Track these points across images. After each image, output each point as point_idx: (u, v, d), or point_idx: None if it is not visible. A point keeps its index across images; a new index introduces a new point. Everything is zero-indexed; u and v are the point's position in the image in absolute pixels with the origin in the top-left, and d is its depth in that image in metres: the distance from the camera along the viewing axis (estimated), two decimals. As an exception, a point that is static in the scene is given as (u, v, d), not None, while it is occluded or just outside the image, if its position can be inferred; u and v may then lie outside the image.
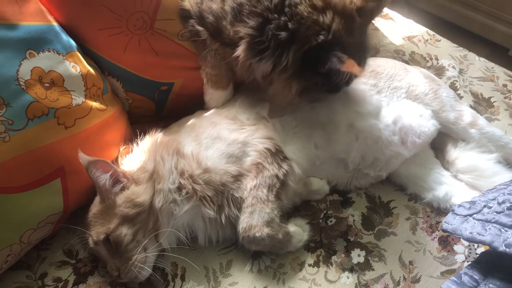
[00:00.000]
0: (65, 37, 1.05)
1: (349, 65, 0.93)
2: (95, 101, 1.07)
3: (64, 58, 1.02)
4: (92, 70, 1.08)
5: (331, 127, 1.14)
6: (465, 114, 1.22)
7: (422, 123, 1.18)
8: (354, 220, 1.15)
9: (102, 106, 1.08)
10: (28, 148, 0.92)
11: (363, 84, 1.19)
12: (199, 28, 1.10)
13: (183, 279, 1.04)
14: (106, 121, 1.07)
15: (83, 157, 0.95)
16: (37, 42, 0.97)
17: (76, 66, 1.04)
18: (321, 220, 1.14)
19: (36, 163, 0.94)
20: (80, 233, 1.08)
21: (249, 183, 1.03)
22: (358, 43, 1.01)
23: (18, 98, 0.90)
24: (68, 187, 1.01)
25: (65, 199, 1.02)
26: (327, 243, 1.10)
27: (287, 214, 1.14)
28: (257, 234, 0.99)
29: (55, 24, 1.03)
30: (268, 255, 1.07)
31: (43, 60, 0.97)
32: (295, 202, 1.15)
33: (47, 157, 0.95)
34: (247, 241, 1.01)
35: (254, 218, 1.00)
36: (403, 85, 1.22)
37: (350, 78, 1.03)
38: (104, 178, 0.98)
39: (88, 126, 1.03)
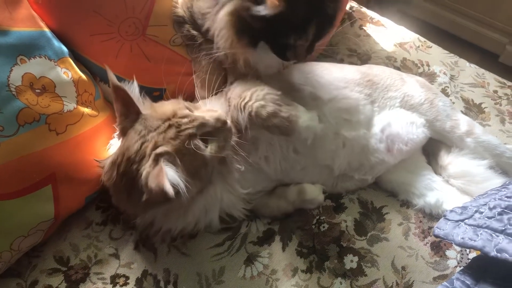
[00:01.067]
0: (56, 43, 1.04)
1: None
2: (87, 107, 1.06)
3: (56, 64, 1.01)
4: (84, 76, 1.08)
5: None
6: (461, 123, 1.21)
7: (411, 130, 1.17)
8: (346, 226, 1.15)
9: (94, 112, 1.08)
10: (18, 155, 0.91)
11: (357, 93, 1.18)
12: (194, 32, 1.11)
13: (175, 285, 1.03)
14: (98, 127, 1.07)
15: None
16: (29, 48, 0.97)
17: (68, 72, 1.04)
18: (313, 226, 1.14)
19: (27, 170, 0.93)
20: (71, 240, 1.07)
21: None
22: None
23: (9, 104, 0.90)
24: (59, 194, 1.00)
25: (56, 206, 1.01)
26: (320, 249, 1.10)
27: (279, 223, 1.15)
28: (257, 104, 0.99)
29: (46, 30, 1.03)
30: (261, 261, 1.07)
31: (35, 66, 0.96)
32: (287, 210, 1.14)
33: (38, 164, 0.95)
34: (255, 114, 0.99)
35: (253, 97, 1.01)
36: (398, 95, 1.22)
37: (298, 48, 1.01)
38: None
39: (80, 132, 1.03)
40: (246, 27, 0.99)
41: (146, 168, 0.87)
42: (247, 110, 0.99)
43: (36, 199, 0.96)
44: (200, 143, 0.92)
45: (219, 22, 1.02)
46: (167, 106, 0.97)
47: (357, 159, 1.16)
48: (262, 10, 0.93)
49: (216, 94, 1.14)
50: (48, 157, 0.96)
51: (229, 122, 0.99)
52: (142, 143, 0.90)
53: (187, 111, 0.96)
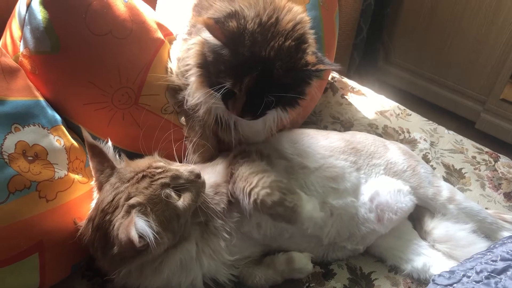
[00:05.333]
0: (50, 112, 1.07)
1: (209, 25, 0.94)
2: (78, 174, 1.07)
3: (49, 132, 1.03)
4: (75, 144, 1.10)
5: None
6: (443, 189, 1.24)
7: (399, 199, 1.19)
8: (336, 293, 1.14)
9: (84, 179, 1.09)
10: (7, 222, 0.90)
11: (343, 161, 1.21)
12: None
13: None
14: (88, 193, 1.07)
15: None
16: (23, 117, 0.99)
17: (60, 139, 1.05)
18: (303, 293, 1.13)
19: (14, 238, 0.92)
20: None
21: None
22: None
23: (1, 172, 0.90)
24: (46, 262, 0.98)
25: (42, 275, 0.98)
26: (310, 317, 1.09)
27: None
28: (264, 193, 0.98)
29: (41, 99, 1.06)
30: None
31: (28, 134, 0.98)
32: (275, 281, 1.12)
33: (26, 231, 0.94)
34: (260, 202, 0.98)
35: (259, 183, 0.99)
36: (382, 163, 1.25)
37: (238, 99, 1.01)
38: None
39: (70, 199, 1.03)
40: (205, 63, 1.03)
41: (118, 219, 0.88)
42: (253, 197, 0.99)
43: (22, 268, 0.94)
44: (172, 194, 0.94)
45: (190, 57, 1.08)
46: (142, 161, 1.02)
47: (347, 228, 1.17)
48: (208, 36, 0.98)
49: (209, 160, 1.17)
50: (37, 225, 0.95)
51: (203, 176, 1.01)
52: (116, 194, 0.92)
53: (162, 163, 0.99)
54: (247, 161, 1.08)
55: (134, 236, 0.82)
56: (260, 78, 0.97)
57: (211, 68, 1.02)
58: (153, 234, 0.85)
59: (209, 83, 1.05)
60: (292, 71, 0.98)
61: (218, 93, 1.00)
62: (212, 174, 1.11)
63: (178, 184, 0.96)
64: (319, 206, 1.07)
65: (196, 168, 1.01)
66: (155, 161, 1.00)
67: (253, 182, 1.00)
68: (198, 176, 0.99)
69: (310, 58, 0.98)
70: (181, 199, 0.95)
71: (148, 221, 0.87)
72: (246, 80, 0.97)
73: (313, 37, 1.04)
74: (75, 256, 1.07)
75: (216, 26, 0.94)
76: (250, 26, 0.96)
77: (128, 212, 0.89)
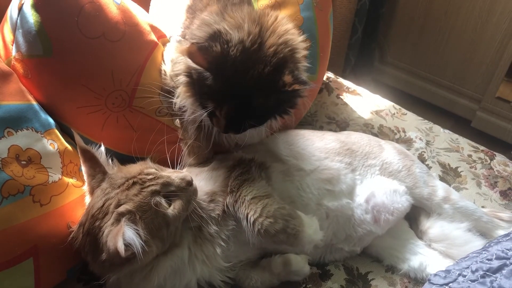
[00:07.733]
0: (43, 116, 1.07)
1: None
2: (72, 178, 1.07)
3: (42, 136, 1.03)
4: (69, 147, 1.09)
5: (299, 204, 1.13)
6: (439, 189, 1.25)
7: (396, 199, 1.19)
8: (333, 294, 1.14)
9: (79, 183, 1.08)
10: (0, 228, 0.90)
11: (338, 163, 1.21)
12: None
13: None
14: (82, 197, 1.06)
15: None
16: (16, 121, 0.99)
17: (54, 143, 1.05)
18: (300, 294, 1.13)
19: (8, 243, 0.91)
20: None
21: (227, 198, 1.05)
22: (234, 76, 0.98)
23: (-6, 177, 0.90)
24: (41, 267, 0.97)
25: (37, 280, 0.98)
26: (307, 318, 1.08)
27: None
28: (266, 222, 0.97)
29: (34, 103, 1.06)
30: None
31: (21, 138, 0.98)
32: (272, 283, 1.11)
33: (21, 236, 0.93)
34: (264, 231, 0.97)
35: (263, 213, 0.98)
36: (377, 163, 1.25)
37: (221, 119, 1.02)
38: None
39: (64, 203, 1.02)
40: (192, 75, 1.04)
41: (107, 226, 0.88)
42: (257, 227, 0.98)
43: (16, 273, 0.93)
44: (162, 201, 0.93)
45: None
46: (134, 166, 1.01)
47: (343, 230, 1.17)
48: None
49: (205, 163, 1.17)
50: (31, 229, 0.95)
51: (195, 184, 1.00)
52: (106, 200, 0.92)
53: (153, 170, 0.98)
54: (247, 180, 1.06)
55: (121, 247, 0.81)
56: (240, 107, 0.99)
57: (196, 86, 1.04)
58: (141, 243, 0.85)
59: (194, 95, 1.06)
60: (272, 95, 1.00)
61: (202, 109, 1.03)
62: (208, 180, 1.10)
63: (169, 191, 0.95)
64: (319, 226, 1.06)
65: (188, 175, 1.00)
66: (146, 167, 0.99)
67: (257, 211, 0.98)
68: (189, 183, 0.98)
69: (287, 78, 0.97)
70: (171, 207, 0.94)
71: (137, 229, 0.86)
72: (225, 108, 0.99)
73: (302, 47, 1.05)
74: (70, 260, 1.07)
75: (198, 53, 0.95)
76: (232, 53, 0.96)
77: (117, 220, 0.88)
